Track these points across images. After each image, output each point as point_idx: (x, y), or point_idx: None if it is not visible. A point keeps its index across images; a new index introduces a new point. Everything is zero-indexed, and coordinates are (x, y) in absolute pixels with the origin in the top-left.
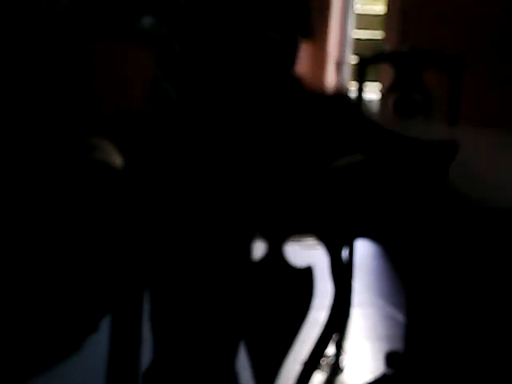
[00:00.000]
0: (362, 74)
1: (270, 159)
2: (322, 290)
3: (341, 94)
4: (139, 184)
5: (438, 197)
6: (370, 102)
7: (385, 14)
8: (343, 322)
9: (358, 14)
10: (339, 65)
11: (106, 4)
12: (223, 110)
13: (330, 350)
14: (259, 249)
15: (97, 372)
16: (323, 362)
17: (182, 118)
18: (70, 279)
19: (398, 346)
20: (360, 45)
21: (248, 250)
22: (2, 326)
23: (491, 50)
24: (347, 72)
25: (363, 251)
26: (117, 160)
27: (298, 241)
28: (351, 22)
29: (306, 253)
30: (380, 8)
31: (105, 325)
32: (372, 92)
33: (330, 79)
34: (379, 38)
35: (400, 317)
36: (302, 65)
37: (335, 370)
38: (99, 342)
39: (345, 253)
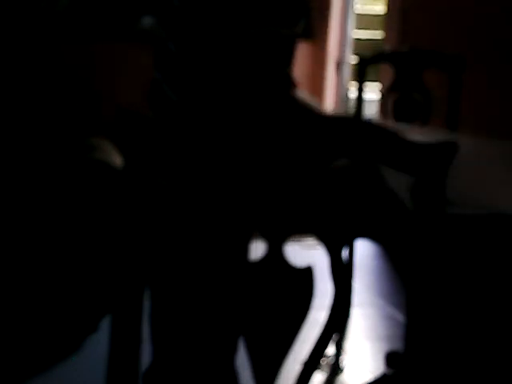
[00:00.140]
0: (362, 74)
1: (269, 159)
2: (322, 290)
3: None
4: (139, 184)
5: (437, 197)
6: (369, 102)
7: (385, 14)
8: (343, 322)
9: (358, 14)
10: (339, 65)
11: (105, 4)
12: (222, 109)
13: (330, 350)
14: (259, 249)
15: (97, 372)
16: (323, 362)
17: (181, 119)
18: (70, 279)
19: (398, 346)
20: (360, 45)
21: (248, 250)
22: (2, 326)
23: (491, 50)
24: (347, 72)
25: (363, 251)
26: (117, 160)
27: (298, 241)
28: (351, 22)
29: (306, 253)
30: (380, 8)
31: (105, 325)
32: (372, 92)
33: (330, 79)
34: (379, 37)
35: (400, 317)
36: (302, 65)
37: (335, 369)
38: (99, 342)
39: (345, 253)
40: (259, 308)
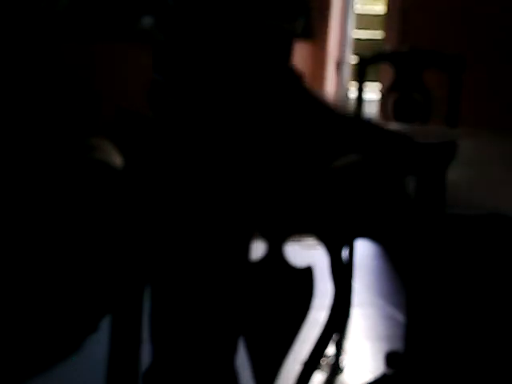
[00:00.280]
0: (362, 74)
1: (269, 159)
2: (322, 290)
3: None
4: (139, 184)
5: (437, 197)
6: (369, 102)
7: (385, 14)
8: (343, 322)
9: (358, 14)
10: (339, 65)
11: (105, 4)
12: (222, 109)
13: (330, 350)
14: (259, 249)
15: (97, 372)
16: (323, 362)
17: (180, 119)
18: (70, 279)
19: (398, 346)
20: (360, 45)
21: (248, 250)
22: (2, 326)
23: (491, 50)
24: (347, 72)
25: (363, 251)
26: (117, 160)
27: (298, 241)
28: (351, 22)
29: (306, 253)
30: (380, 8)
31: (105, 325)
32: (372, 92)
33: (330, 79)
34: (379, 37)
35: (400, 317)
36: (302, 65)
37: (335, 369)
38: (99, 342)
39: (345, 253)
40: (259, 308)
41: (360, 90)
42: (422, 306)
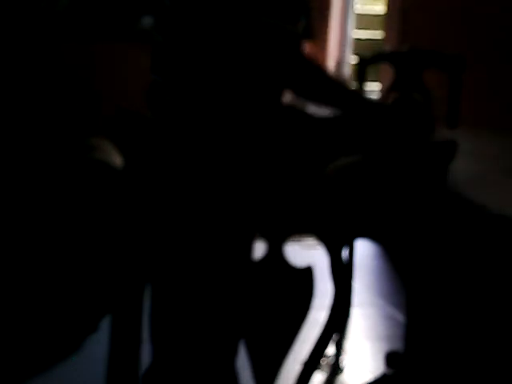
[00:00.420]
0: (362, 74)
1: (269, 159)
2: (322, 290)
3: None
4: (139, 184)
5: (437, 197)
6: None
7: (385, 14)
8: (343, 322)
9: (358, 14)
10: (339, 65)
11: (105, 4)
12: (221, 110)
13: (330, 350)
14: (259, 249)
15: (97, 372)
16: (323, 362)
17: (180, 119)
18: (70, 279)
19: (398, 346)
20: (360, 45)
21: (248, 250)
22: (2, 326)
23: (491, 50)
24: (347, 72)
25: (363, 251)
26: (117, 160)
27: (298, 241)
28: (351, 22)
29: (306, 253)
30: (380, 8)
31: (105, 325)
32: (372, 92)
33: None
34: (379, 37)
35: (400, 317)
36: None
37: (335, 369)
38: (99, 342)
39: (345, 253)
40: (259, 308)
41: (360, 89)
42: (422, 305)
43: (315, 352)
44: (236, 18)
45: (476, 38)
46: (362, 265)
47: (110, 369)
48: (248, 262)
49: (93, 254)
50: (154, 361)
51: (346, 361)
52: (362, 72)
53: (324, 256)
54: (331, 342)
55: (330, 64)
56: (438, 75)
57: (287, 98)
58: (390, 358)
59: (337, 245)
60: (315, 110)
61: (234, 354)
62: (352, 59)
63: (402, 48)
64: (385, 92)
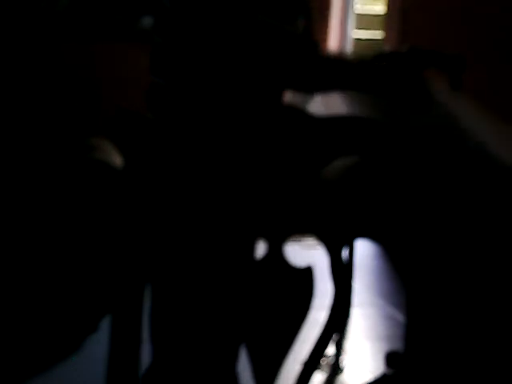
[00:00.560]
0: None
1: (269, 160)
2: (322, 290)
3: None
4: (139, 184)
5: (437, 197)
6: None
7: (385, 14)
8: (343, 322)
9: (358, 14)
10: None
11: (105, 4)
12: (221, 110)
13: (330, 350)
14: (259, 249)
15: (97, 372)
16: (323, 362)
17: (180, 119)
18: (70, 279)
19: (398, 345)
20: (360, 45)
21: (249, 251)
22: (2, 326)
23: (491, 50)
24: None
25: (363, 251)
26: (117, 160)
27: (298, 241)
28: (351, 22)
29: (306, 253)
30: (380, 8)
31: (105, 325)
32: None
33: None
34: (379, 37)
35: (400, 317)
36: None
37: (335, 369)
38: (99, 342)
39: (345, 253)
40: (260, 308)
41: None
42: (422, 305)
43: (315, 352)
44: (235, 19)
45: (476, 38)
46: (361, 265)
47: (109, 369)
48: (249, 262)
49: (93, 254)
50: (154, 361)
51: (345, 361)
52: None
53: (324, 256)
54: (331, 342)
55: None
56: (438, 75)
57: (287, 97)
58: (390, 358)
59: (337, 245)
60: (315, 110)
61: (234, 354)
62: None
63: (401, 48)
64: None
